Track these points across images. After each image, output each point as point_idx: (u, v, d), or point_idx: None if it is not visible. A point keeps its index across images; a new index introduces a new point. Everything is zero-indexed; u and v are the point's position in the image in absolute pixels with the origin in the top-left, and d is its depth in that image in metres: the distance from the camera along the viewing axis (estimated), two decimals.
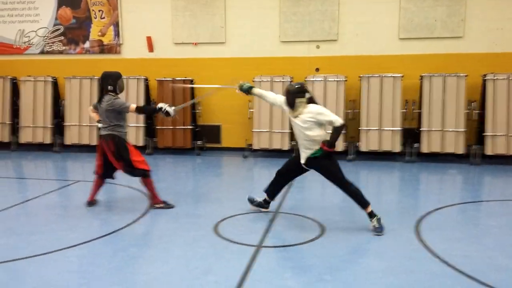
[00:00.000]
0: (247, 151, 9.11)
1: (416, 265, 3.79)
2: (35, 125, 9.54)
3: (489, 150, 7.96)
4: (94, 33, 10.03)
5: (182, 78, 9.27)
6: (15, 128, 9.75)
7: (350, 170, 7.74)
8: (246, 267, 3.70)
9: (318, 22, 9.14)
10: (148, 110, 5.80)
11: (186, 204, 5.58)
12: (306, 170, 4.94)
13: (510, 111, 7.93)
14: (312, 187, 6.70)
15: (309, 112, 4.69)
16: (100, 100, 5.21)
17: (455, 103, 8.14)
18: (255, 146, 8.92)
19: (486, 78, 8.08)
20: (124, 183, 6.22)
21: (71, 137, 9.44)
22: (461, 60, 8.56)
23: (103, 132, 5.18)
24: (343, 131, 4.95)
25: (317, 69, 9.23)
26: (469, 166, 7.99)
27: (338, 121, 4.64)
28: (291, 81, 8.84)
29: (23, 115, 9.61)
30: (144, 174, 5.29)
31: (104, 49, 10.03)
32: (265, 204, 5.29)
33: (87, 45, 10.08)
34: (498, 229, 4.69)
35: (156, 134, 9.35)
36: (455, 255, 3.94)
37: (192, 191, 6.40)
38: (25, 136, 9.60)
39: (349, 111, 8.70)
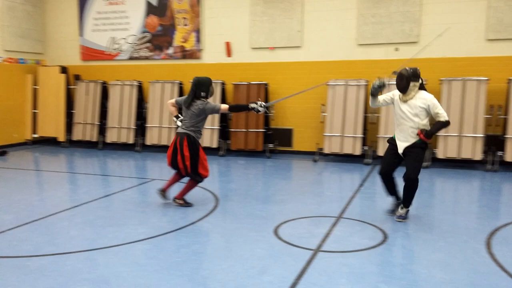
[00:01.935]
0: (318, 155, 9.11)
1: (481, 278, 3.59)
2: (120, 126, 10.41)
3: (509, 157, 7.17)
4: (177, 40, 10.65)
5: (257, 82, 9.53)
6: (102, 128, 10.71)
7: (423, 178, 7.43)
8: (301, 270, 3.76)
9: (398, 24, 8.86)
10: (241, 108, 6.17)
11: (251, 205, 5.76)
12: (402, 160, 5.04)
13: None
14: (378, 193, 6.54)
15: (422, 98, 4.84)
16: (189, 104, 5.50)
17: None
18: (326, 150, 8.90)
19: None
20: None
21: (151, 138, 10.14)
22: None
23: (182, 130, 5.51)
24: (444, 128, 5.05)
25: (395, 72, 8.92)
26: (485, 172, 7.27)
27: (445, 116, 4.79)
28: (366, 85, 8.70)
29: (111, 116, 10.52)
30: (200, 180, 5.60)
31: (186, 54, 10.62)
32: (398, 205, 5.25)
33: (170, 51, 10.74)
34: None
35: (230, 136, 9.71)
36: None
37: (259, 192, 6.57)
38: (111, 136, 10.50)
39: None
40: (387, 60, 9.05)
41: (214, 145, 9.60)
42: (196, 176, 5.56)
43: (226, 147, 9.73)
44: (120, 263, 3.96)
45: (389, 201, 6.02)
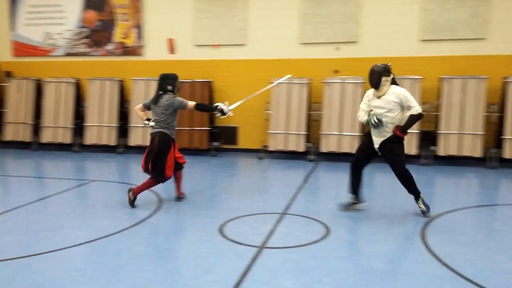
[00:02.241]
0: (263, 152, 9.18)
1: (417, 267, 3.77)
2: (57, 126, 9.89)
3: (508, 154, 7.76)
4: (117, 35, 10.30)
5: (202, 80, 9.43)
6: (36, 128, 10.11)
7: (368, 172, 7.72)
8: (246, 267, 3.76)
9: (339, 24, 9.11)
10: (207, 108, 6.13)
11: (195, 205, 5.69)
12: (376, 155, 5.18)
13: None
14: (321, 189, 6.73)
15: (394, 93, 4.94)
16: (156, 99, 5.44)
17: (474, 105, 7.97)
18: (271, 148, 8.99)
19: (507, 80, 7.88)
20: (138, 183, 6.38)
21: (91, 137, 9.74)
22: (483, 62, 8.37)
23: (154, 130, 5.45)
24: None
25: (336, 71, 9.21)
26: (486, 169, 7.82)
27: (418, 109, 4.89)
28: (309, 83, 8.88)
29: (46, 115, 9.97)
30: (163, 181, 5.52)
31: (126, 51, 10.29)
32: (356, 202, 5.37)
33: (110, 47, 10.37)
34: (507, 234, 4.60)
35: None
36: (458, 259, 3.90)
37: (203, 191, 6.51)
38: (47, 136, 9.96)
39: None
40: (329, 59, 9.29)
41: (205, 146, 9.39)
42: (159, 176, 5.43)
43: None
44: (57, 269, 3.76)
45: (332, 195, 6.19)
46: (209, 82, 9.44)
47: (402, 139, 5.09)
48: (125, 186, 5.64)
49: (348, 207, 5.38)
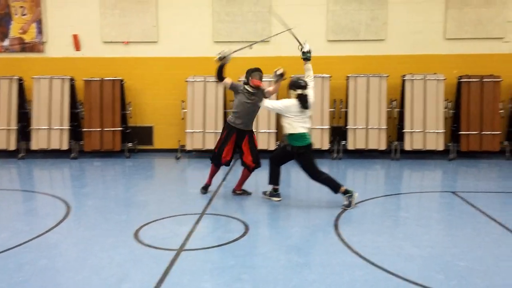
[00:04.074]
0: (180, 152, 9.00)
1: (331, 258, 3.93)
2: None
3: (408, 146, 8.45)
4: (14, 31, 9.45)
5: (112, 78, 8.98)
6: None
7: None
8: (164, 272, 3.65)
9: (251, 23, 9.21)
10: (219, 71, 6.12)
11: (108, 209, 5.41)
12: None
13: (426, 109, 8.46)
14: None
15: None
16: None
17: (378, 102, 8.54)
18: (188, 147, 8.85)
19: (405, 78, 8.56)
20: (41, 190, 5.92)
21: None
22: (383, 62, 9.00)
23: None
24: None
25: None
26: (390, 161, 8.44)
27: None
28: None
29: None
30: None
31: (25, 47, 9.49)
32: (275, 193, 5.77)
33: (6, 43, 9.49)
34: (409, 220, 5.00)
35: (83, 136, 8.98)
36: (368, 246, 4.15)
37: (117, 195, 6.21)
38: None
39: None
40: (242, 57, 9.31)
41: (65, 146, 8.78)
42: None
43: (79, 149, 8.99)
44: None
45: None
46: (120, 80, 9.02)
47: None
48: (27, 194, 5.17)
49: (268, 194, 5.80)
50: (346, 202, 5.33)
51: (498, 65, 8.82)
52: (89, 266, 3.77)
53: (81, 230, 4.74)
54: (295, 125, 5.32)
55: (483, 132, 8.43)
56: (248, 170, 5.89)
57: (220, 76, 5.83)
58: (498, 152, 8.57)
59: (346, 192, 5.34)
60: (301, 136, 5.31)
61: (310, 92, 5.47)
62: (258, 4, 9.16)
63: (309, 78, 5.59)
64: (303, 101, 5.31)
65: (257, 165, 5.84)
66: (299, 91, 5.38)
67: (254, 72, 5.84)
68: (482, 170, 7.81)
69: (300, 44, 5.76)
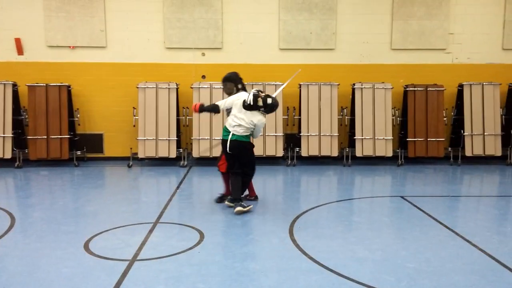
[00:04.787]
0: (132, 160, 8.77)
1: (286, 263, 3.96)
2: None
3: (359, 152, 8.72)
4: None
5: (58, 84, 8.62)
6: None
7: None
8: (116, 283, 3.52)
9: (203, 30, 9.18)
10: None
11: (56, 220, 5.16)
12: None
13: (375, 117, 8.77)
14: (195, 194, 6.70)
15: None
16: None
17: (329, 109, 8.76)
18: (141, 155, 8.65)
19: (355, 87, 8.85)
20: None
21: None
22: (334, 70, 9.26)
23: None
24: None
25: (204, 76, 9.27)
26: (342, 167, 8.67)
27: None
28: (177, 88, 8.76)
29: None
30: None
31: None
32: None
33: None
34: (361, 224, 5.14)
35: (28, 144, 8.54)
36: (322, 251, 4.22)
37: (65, 205, 5.93)
38: None
39: None
40: (195, 64, 9.31)
41: (8, 155, 8.31)
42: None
43: (24, 157, 8.53)
44: None
45: (206, 200, 6.21)
46: (67, 86, 8.67)
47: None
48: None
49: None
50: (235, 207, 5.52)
51: (441, 74, 9.34)
52: (36, 280, 3.57)
53: (27, 243, 4.48)
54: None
55: (429, 139, 8.86)
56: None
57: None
58: (442, 158, 9.04)
59: (235, 200, 5.55)
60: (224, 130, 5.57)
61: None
62: (209, 11, 9.16)
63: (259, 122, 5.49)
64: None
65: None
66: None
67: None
68: (428, 175, 8.19)
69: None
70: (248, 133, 5.47)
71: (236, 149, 5.45)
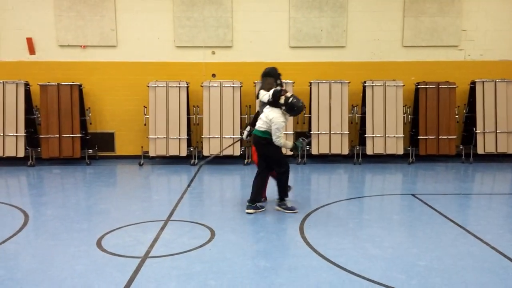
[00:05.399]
0: (143, 158, 8.84)
1: (297, 261, 3.97)
2: None
3: (369, 150, 8.68)
4: None
5: (69, 83, 8.71)
6: None
7: (245, 174, 7.92)
8: (128, 280, 3.56)
9: (212, 29, 9.20)
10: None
11: (69, 218, 5.23)
12: None
13: (386, 115, 8.72)
14: (205, 192, 6.73)
15: None
16: None
17: (340, 107, 8.73)
18: (152, 153, 8.70)
19: (365, 84, 8.80)
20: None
21: None
22: (344, 68, 9.22)
23: None
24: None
25: (214, 75, 9.29)
26: (353, 165, 8.64)
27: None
28: (187, 86, 8.79)
29: None
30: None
31: None
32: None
33: None
34: (372, 222, 5.12)
35: (40, 143, 8.65)
36: (332, 249, 4.22)
37: (78, 203, 6.01)
38: None
39: (245, 116, 8.88)
40: (205, 62, 9.34)
41: (20, 154, 8.43)
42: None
43: (36, 156, 8.64)
44: None
45: (216, 198, 6.23)
46: (78, 85, 8.76)
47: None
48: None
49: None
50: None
51: (453, 72, 9.25)
52: (50, 277, 3.63)
53: (40, 240, 4.55)
54: None
55: (440, 137, 8.78)
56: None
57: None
58: (454, 156, 8.95)
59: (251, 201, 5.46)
60: None
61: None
62: (219, 10, 9.17)
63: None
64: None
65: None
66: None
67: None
68: (439, 173, 8.12)
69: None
70: (264, 129, 5.33)
71: (255, 143, 5.47)
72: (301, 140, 5.47)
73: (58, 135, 8.56)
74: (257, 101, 5.68)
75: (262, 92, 5.56)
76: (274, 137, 5.27)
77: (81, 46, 9.14)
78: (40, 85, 8.66)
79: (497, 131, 8.81)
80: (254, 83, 8.80)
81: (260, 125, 5.37)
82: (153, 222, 5.09)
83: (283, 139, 5.36)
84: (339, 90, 8.74)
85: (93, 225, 5.04)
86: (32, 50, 9.08)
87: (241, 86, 8.77)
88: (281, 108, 5.27)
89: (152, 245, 4.35)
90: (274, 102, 5.29)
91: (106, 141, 9.28)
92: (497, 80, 8.88)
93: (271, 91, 5.34)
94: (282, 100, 5.23)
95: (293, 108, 5.25)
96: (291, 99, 5.23)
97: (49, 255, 4.10)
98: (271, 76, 5.64)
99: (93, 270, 3.78)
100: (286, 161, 5.54)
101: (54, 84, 8.65)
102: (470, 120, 9.07)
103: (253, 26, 9.30)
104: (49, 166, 8.53)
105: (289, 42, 9.30)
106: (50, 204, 5.93)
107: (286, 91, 5.37)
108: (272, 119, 5.24)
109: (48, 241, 4.50)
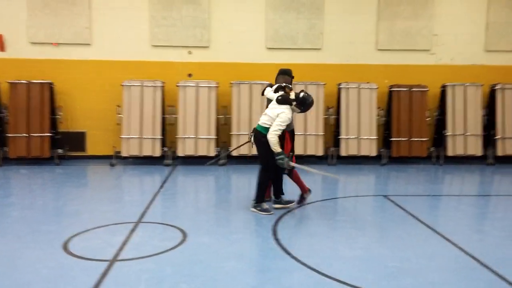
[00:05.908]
0: (115, 158, 8.67)
1: (270, 263, 3.95)
2: None
3: (343, 152, 8.75)
4: None
5: (40, 81, 8.48)
6: None
7: (221, 174, 7.86)
8: (95, 284, 3.46)
9: (190, 28, 9.11)
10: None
11: (35, 220, 5.07)
12: None
13: (360, 116, 8.83)
14: (179, 193, 6.64)
15: None
16: None
17: (315, 109, 8.76)
18: (124, 153, 8.55)
19: (340, 86, 8.88)
20: None
21: None
22: (320, 70, 9.28)
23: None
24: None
25: (190, 75, 9.20)
26: (327, 166, 8.69)
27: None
28: (163, 86, 8.67)
29: None
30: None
31: None
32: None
33: None
34: (346, 223, 5.14)
35: (8, 142, 8.38)
36: (305, 250, 4.22)
37: (46, 204, 5.83)
38: None
39: (221, 116, 8.83)
40: (182, 62, 9.24)
41: None
42: None
43: (3, 155, 8.37)
44: None
45: (190, 199, 6.15)
46: (49, 83, 8.53)
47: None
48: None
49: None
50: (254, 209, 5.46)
51: (425, 75, 9.43)
52: (13, 281, 3.49)
53: (4, 243, 4.37)
54: None
55: (412, 139, 8.94)
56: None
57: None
58: (425, 158, 9.13)
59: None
60: None
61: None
62: (197, 10, 9.09)
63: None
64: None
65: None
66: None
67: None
68: (411, 174, 8.26)
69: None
70: (269, 125, 5.18)
71: (255, 138, 5.37)
72: (287, 158, 5.27)
73: (27, 134, 8.30)
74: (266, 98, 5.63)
75: (269, 89, 5.60)
76: (271, 129, 5.12)
77: (53, 43, 8.90)
78: (9, 82, 8.39)
79: (466, 133, 9.02)
80: (230, 83, 8.76)
81: (264, 121, 5.27)
82: (124, 224, 4.97)
83: (277, 139, 5.19)
84: (315, 92, 8.77)
85: (61, 227, 4.90)
86: (2, 47, 8.80)
87: (217, 87, 8.71)
88: (291, 104, 5.23)
89: (121, 248, 4.24)
90: (283, 101, 5.24)
91: (77, 140, 9.07)
92: (466, 84, 9.10)
93: (274, 86, 5.39)
94: (292, 96, 5.23)
95: (304, 102, 5.23)
96: (302, 93, 5.24)
97: (13, 259, 3.94)
98: (288, 74, 5.71)
99: (59, 274, 3.66)
100: (273, 168, 5.40)
101: (24, 82, 8.40)
102: (441, 123, 9.27)
103: (231, 26, 9.26)
104: (16, 166, 8.27)
105: (266, 43, 9.30)
106: (16, 205, 5.73)
107: (290, 88, 5.38)
108: (279, 114, 5.15)
109: (12, 243, 4.34)
